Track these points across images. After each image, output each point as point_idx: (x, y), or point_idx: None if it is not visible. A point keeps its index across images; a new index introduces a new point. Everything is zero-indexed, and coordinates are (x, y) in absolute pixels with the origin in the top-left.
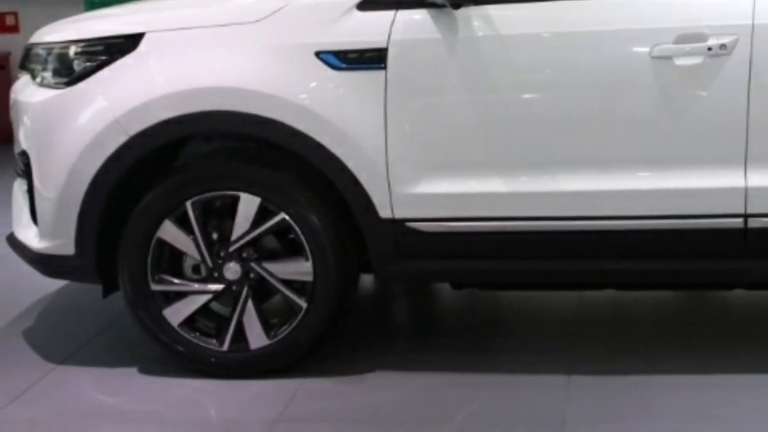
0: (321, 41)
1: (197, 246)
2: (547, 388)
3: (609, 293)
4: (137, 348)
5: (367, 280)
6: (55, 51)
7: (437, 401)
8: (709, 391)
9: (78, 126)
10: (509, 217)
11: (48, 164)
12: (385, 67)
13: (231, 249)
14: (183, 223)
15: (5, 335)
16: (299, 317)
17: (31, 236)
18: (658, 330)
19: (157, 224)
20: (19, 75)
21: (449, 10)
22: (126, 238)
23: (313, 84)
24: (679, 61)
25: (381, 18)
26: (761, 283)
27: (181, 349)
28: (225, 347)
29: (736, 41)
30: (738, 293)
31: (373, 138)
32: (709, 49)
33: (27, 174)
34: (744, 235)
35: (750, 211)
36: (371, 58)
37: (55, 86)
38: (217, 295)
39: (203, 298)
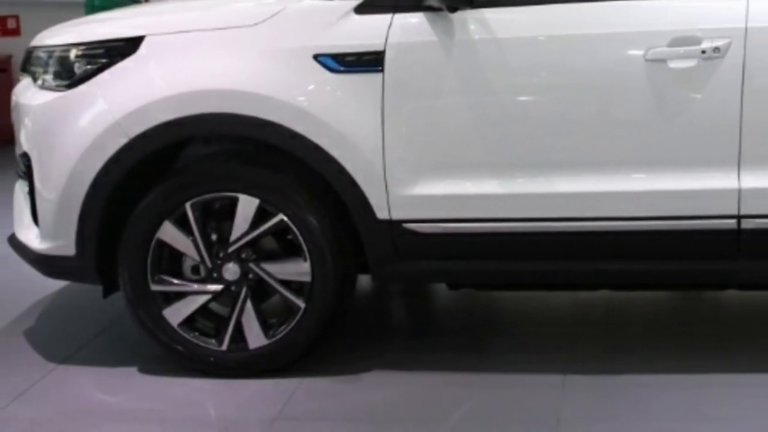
0: (319, 44)
1: (196, 247)
2: (543, 387)
3: (604, 293)
4: (137, 348)
5: (364, 280)
6: (56, 54)
7: (434, 400)
8: (704, 390)
9: (79, 128)
10: (505, 218)
11: (49, 166)
12: (382, 70)
13: (230, 250)
14: (182, 225)
15: (6, 335)
16: (297, 317)
17: (32, 237)
18: (652, 330)
19: (157, 225)
20: (20, 78)
21: (446, 13)
22: (126, 239)
23: (311, 87)
24: (673, 64)
25: (378, 21)
26: (754, 284)
27: (180, 348)
28: (224, 347)
29: (729, 44)
30: (731, 293)
31: (370, 140)
32: (703, 52)
33: (28, 175)
34: (737, 236)
35: (743, 212)
36: (369, 61)
37: (56, 89)
38: (216, 295)
39: (202, 299)
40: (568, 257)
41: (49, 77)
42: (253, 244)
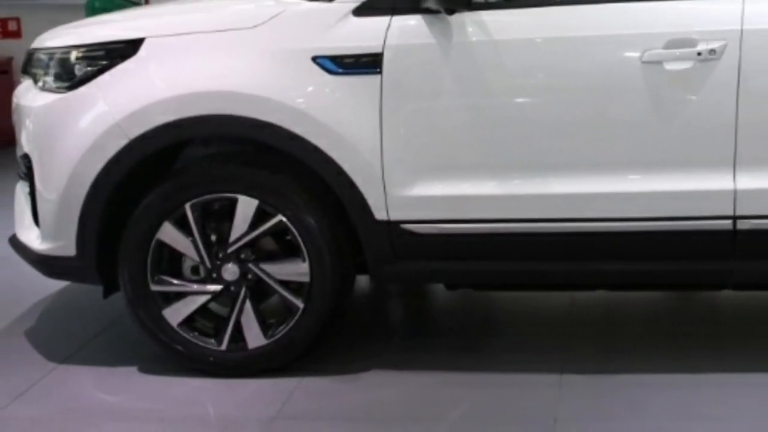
0: (317, 46)
1: (196, 247)
2: (540, 387)
3: (600, 294)
4: (137, 347)
5: (363, 280)
6: (57, 56)
7: (432, 400)
8: (699, 389)
9: (79, 129)
10: (502, 219)
11: (49, 167)
12: (380, 72)
13: (229, 250)
14: (182, 225)
15: (7, 335)
16: (296, 317)
17: (33, 238)
18: (648, 330)
19: (157, 226)
20: (21, 79)
21: (443, 15)
22: (126, 239)
23: (310, 88)
24: (670, 66)
25: (376, 23)
26: (749, 284)
27: (180, 348)
28: (223, 347)
29: (725, 46)
30: (727, 294)
31: (368, 141)
32: (699, 54)
33: (29, 177)
34: (733, 236)
35: (739, 213)
36: (367, 63)
37: (57, 90)
38: (215, 295)
39: (202, 299)
40: (564, 258)
41: (49, 79)
42: (252, 244)
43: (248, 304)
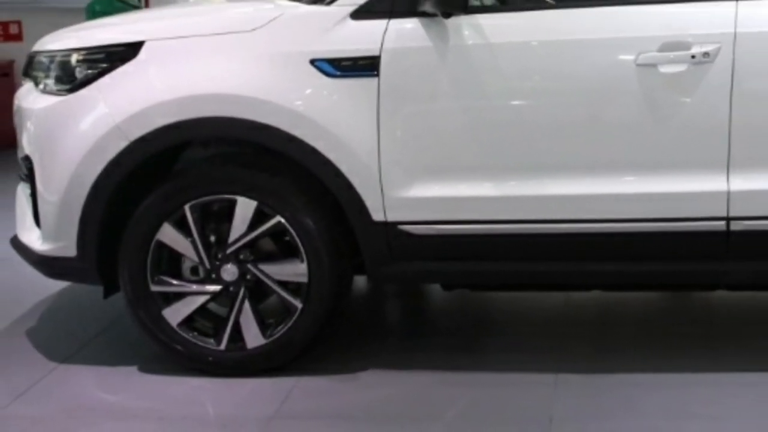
0: (316, 49)
1: (195, 248)
2: (536, 386)
3: (596, 294)
4: (137, 347)
5: (360, 281)
6: (58, 59)
7: (429, 399)
8: (693, 389)
9: (80, 131)
10: (498, 220)
11: (50, 169)
12: (377, 75)
13: (228, 251)
14: (182, 226)
15: (8, 335)
16: (294, 317)
17: (34, 239)
18: (643, 330)
19: (157, 227)
20: (22, 82)
21: (440, 19)
22: (126, 240)
23: (308, 91)
24: (664, 69)
25: (374, 27)
26: (742, 284)
27: (180, 348)
28: (222, 346)
29: (718, 49)
30: (720, 294)
31: (366, 143)
32: (693, 57)
33: (30, 178)
34: (726, 237)
35: (732, 214)
36: (364, 66)
37: (58, 93)
38: (214, 295)
39: (201, 299)
40: (560, 258)
41: (50, 81)
42: (251, 245)
43: (247, 305)
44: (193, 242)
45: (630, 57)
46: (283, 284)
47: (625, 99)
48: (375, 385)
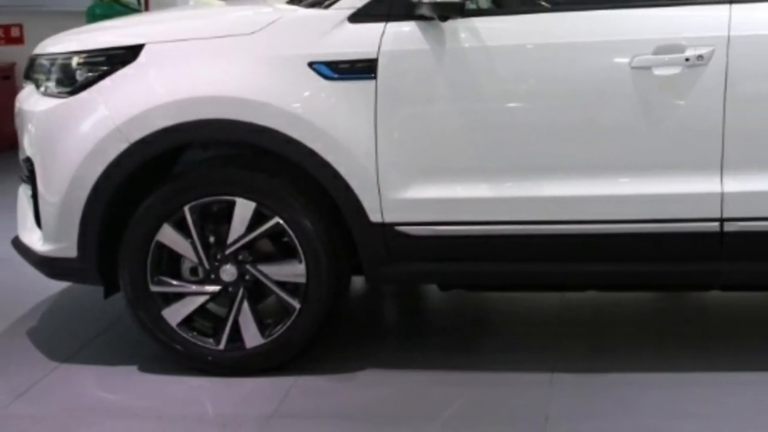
0: (314, 52)
1: (195, 249)
2: (531, 385)
3: (591, 294)
4: (137, 347)
5: (358, 282)
6: (59, 61)
7: (425, 398)
8: (688, 388)
9: (80, 133)
10: (495, 221)
11: (51, 170)
12: (375, 77)
13: (227, 252)
14: (181, 227)
15: (10, 335)
16: (293, 317)
17: (35, 240)
18: (638, 330)
19: (157, 228)
20: (23, 85)
21: (437, 22)
22: (126, 241)
23: (307, 93)
24: (658, 71)
25: (371, 30)
26: (736, 285)
27: (179, 348)
28: (222, 346)
29: (712, 52)
30: (714, 294)
31: (363, 145)
32: (687, 59)
33: (31, 180)
34: (720, 238)
35: (726, 215)
36: (362, 69)
37: (59, 95)
38: (214, 296)
39: (201, 299)
40: (556, 259)
41: (51, 84)
42: (249, 246)
43: (246, 305)
44: (193, 243)
45: (625, 60)
46: (281, 285)
47: (620, 101)
48: (373, 385)
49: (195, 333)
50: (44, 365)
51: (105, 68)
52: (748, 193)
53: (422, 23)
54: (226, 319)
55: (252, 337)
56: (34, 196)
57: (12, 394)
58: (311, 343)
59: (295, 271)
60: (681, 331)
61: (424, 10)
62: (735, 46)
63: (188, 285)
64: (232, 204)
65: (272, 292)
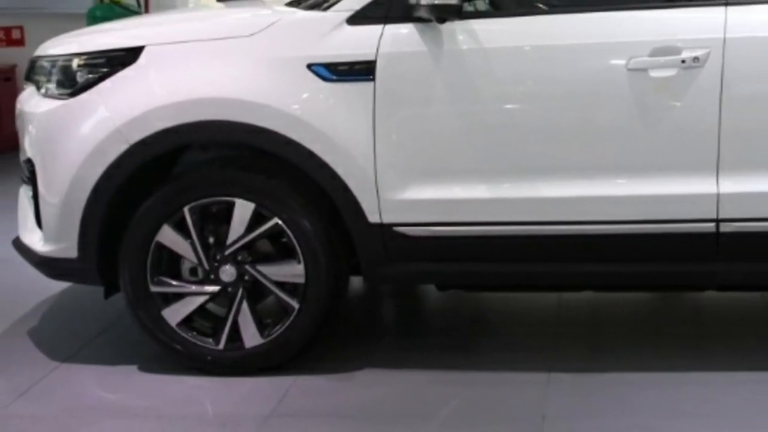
0: (312, 54)
1: (194, 249)
2: (528, 385)
3: (588, 294)
4: (137, 347)
5: (356, 282)
6: (59, 63)
7: (423, 398)
8: (684, 388)
9: (81, 135)
10: (492, 221)
11: (52, 171)
12: (373, 79)
13: (226, 252)
14: (181, 228)
15: (11, 335)
16: (292, 317)
17: (36, 240)
18: (634, 329)
19: (157, 229)
20: (24, 86)
21: (435, 24)
22: (127, 241)
23: (305, 95)
24: (654, 73)
25: (370, 32)
26: (732, 285)
27: (179, 347)
28: (221, 346)
29: (708, 54)
30: (710, 294)
31: (362, 146)
32: (683, 61)
33: (32, 181)
34: (716, 239)
35: (722, 216)
36: (360, 70)
37: (59, 97)
38: (213, 296)
39: (200, 299)
40: (553, 259)
41: (52, 86)
42: (248, 246)
43: (245, 305)
44: (192, 244)
45: (621, 62)
46: (280, 285)
47: (616, 103)
48: (371, 384)
49: (194, 333)
50: (45, 365)
51: (105, 70)
52: (743, 194)
53: (420, 25)
54: (225, 319)
55: (251, 337)
56: (35, 197)
57: (13, 394)
58: (310, 343)
59: (293, 271)
60: (677, 331)
61: (422, 13)
62: (731, 48)
63: (188, 285)
64: (232, 205)
65: (271, 292)
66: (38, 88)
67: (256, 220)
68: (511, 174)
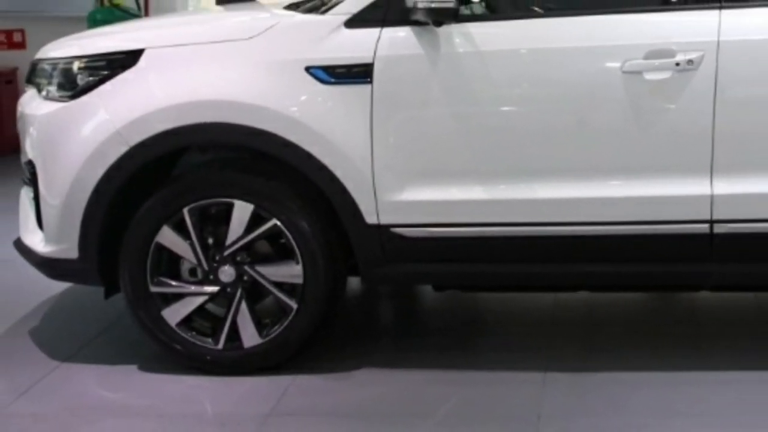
0: (311, 57)
1: (194, 250)
2: (524, 384)
3: (583, 295)
4: (137, 346)
5: (354, 282)
6: (60, 66)
7: (420, 397)
8: (678, 387)
9: (81, 137)
10: (489, 222)
11: (53, 173)
12: (371, 82)
13: (226, 253)
14: (180, 229)
15: (12, 335)
16: (290, 317)
17: (37, 241)
18: (629, 330)
19: (156, 230)
20: (25, 89)
21: (432, 27)
22: (127, 242)
23: (303, 97)
24: (649, 76)
25: (367, 35)
26: (726, 286)
27: (178, 347)
28: (220, 346)
29: (702, 57)
30: (704, 295)
31: (359, 148)
32: (677, 64)
33: (33, 182)
34: (710, 240)
35: (716, 217)
36: (358, 73)
37: (60, 99)
38: (212, 296)
39: (200, 300)
40: (548, 260)
41: (53, 88)
42: (247, 247)
43: (244, 305)
44: (192, 244)
45: (616, 64)
46: (278, 285)
47: (611, 105)
48: (369, 384)
49: (194, 333)
50: (45, 364)
51: (105, 73)
52: (737, 195)
53: (417, 28)
54: (224, 319)
55: (250, 336)
56: (36, 199)
57: (14, 393)
58: (308, 343)
59: (292, 272)
60: (671, 331)
61: (419, 16)
62: (725, 51)
63: (187, 286)
64: (231, 206)
65: (270, 292)
66: (39, 90)
67: (254, 221)
68: (508, 175)
